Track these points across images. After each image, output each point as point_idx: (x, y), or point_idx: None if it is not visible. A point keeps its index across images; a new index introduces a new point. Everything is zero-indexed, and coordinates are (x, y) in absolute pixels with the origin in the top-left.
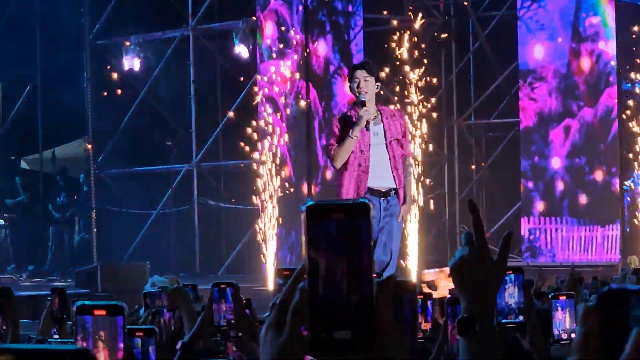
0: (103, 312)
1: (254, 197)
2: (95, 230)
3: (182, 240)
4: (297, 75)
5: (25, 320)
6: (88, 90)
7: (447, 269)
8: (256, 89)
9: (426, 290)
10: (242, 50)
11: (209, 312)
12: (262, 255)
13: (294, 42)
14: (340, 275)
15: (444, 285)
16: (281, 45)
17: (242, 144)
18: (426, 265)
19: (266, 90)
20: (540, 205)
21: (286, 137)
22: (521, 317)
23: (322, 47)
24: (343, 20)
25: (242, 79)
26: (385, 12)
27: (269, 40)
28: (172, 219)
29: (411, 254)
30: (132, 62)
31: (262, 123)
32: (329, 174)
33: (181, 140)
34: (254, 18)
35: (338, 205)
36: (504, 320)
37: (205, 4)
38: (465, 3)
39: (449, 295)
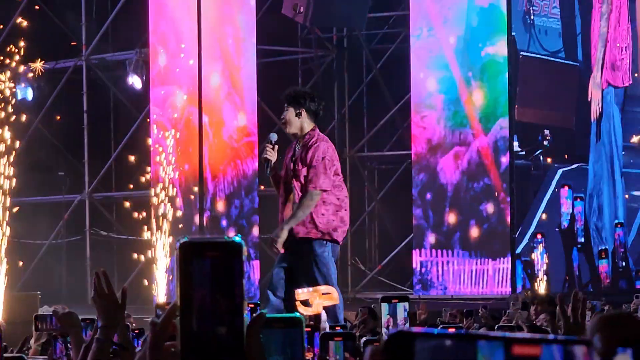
0: None
1: (146, 227)
2: None
3: (74, 271)
4: (187, 101)
5: None
6: None
7: (320, 288)
8: (148, 119)
9: (301, 308)
10: (135, 81)
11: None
12: (153, 286)
13: (184, 67)
14: (211, 311)
15: (317, 303)
16: (170, 70)
17: (135, 174)
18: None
19: (154, 116)
20: (431, 238)
21: (174, 163)
22: None
23: (212, 73)
24: (234, 47)
25: (135, 109)
26: (279, 44)
27: (159, 65)
28: (63, 249)
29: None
30: (25, 92)
31: (153, 148)
32: (220, 204)
33: (74, 170)
34: (147, 49)
35: (212, 242)
36: None
37: (99, 35)
38: (357, 34)
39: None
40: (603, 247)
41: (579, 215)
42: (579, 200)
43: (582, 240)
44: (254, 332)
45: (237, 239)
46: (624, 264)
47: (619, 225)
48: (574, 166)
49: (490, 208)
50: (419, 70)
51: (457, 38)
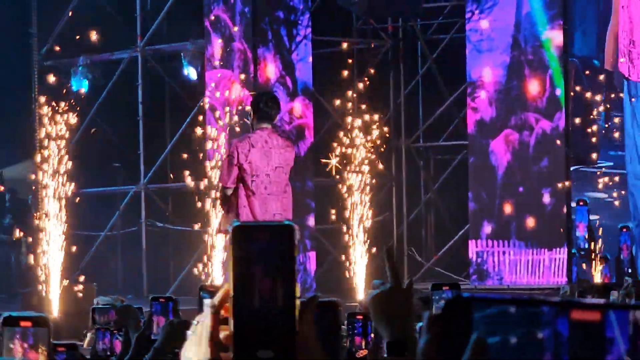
0: (29, 324)
1: (202, 217)
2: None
3: (130, 262)
4: (240, 87)
5: None
6: (36, 111)
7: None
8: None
9: None
10: (190, 72)
11: (147, 328)
12: (210, 278)
13: (237, 52)
14: (263, 295)
15: None
16: (224, 55)
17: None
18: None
19: (209, 105)
20: (487, 228)
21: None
22: None
23: (264, 57)
24: (285, 30)
25: (191, 100)
26: (333, 35)
27: (213, 50)
28: (119, 240)
29: (358, 276)
30: (80, 83)
31: (208, 137)
32: None
33: (129, 161)
34: (202, 40)
35: (263, 226)
36: None
37: (154, 26)
38: (412, 24)
39: None
40: None
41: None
42: None
43: None
44: (306, 315)
45: (288, 222)
46: None
47: None
48: None
49: (546, 197)
50: (475, 57)
51: (515, 23)
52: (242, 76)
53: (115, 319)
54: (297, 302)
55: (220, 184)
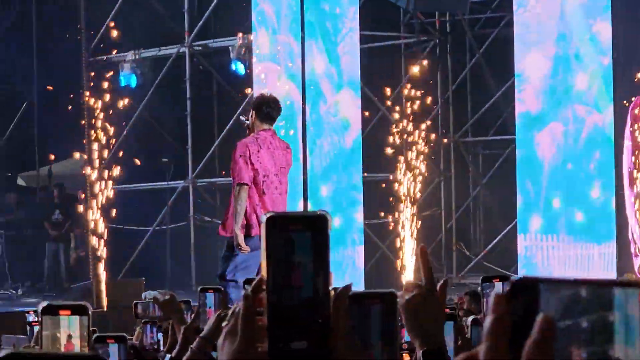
0: (68, 313)
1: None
2: (90, 246)
3: (178, 256)
4: (286, 78)
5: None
6: (85, 107)
7: None
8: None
9: None
10: (238, 66)
11: (194, 320)
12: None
13: (284, 45)
14: (296, 285)
15: None
16: (271, 49)
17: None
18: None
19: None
20: (536, 222)
21: None
22: None
23: (310, 50)
24: (331, 23)
25: (239, 95)
26: (381, 30)
27: (260, 44)
28: (168, 235)
29: (407, 270)
30: (128, 79)
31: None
32: (324, 189)
33: (177, 156)
34: (250, 35)
35: (297, 216)
36: None
37: (202, 21)
38: (460, 19)
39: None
40: None
41: None
42: None
43: None
44: (340, 305)
45: (322, 212)
46: None
47: None
48: None
49: (595, 191)
50: (522, 50)
51: (561, 16)
52: (289, 69)
53: (160, 313)
54: (332, 292)
55: (237, 182)
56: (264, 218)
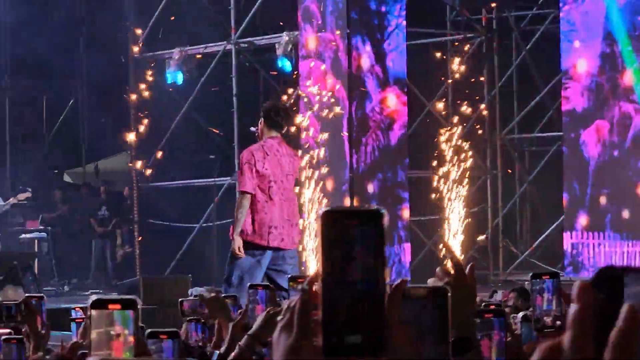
0: (118, 307)
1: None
2: (137, 243)
3: (224, 253)
4: (332, 75)
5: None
6: (131, 104)
7: None
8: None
9: None
10: (284, 64)
11: (243, 317)
12: (302, 270)
13: (329, 42)
14: (352, 279)
15: None
16: (316, 46)
17: None
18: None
19: (303, 95)
20: (582, 220)
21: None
22: (558, 322)
23: (356, 47)
24: (377, 20)
25: (288, 91)
26: (428, 27)
27: (306, 41)
28: (214, 232)
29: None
30: (174, 76)
31: (302, 128)
32: (370, 187)
33: (224, 153)
34: (296, 32)
35: (352, 211)
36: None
37: (248, 18)
38: (506, 15)
39: None
40: None
41: None
42: None
43: None
44: (395, 300)
45: (378, 207)
46: None
47: None
48: None
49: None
50: (569, 47)
51: (608, 13)
52: (334, 67)
53: (206, 310)
54: (387, 287)
55: (240, 189)
56: (320, 213)
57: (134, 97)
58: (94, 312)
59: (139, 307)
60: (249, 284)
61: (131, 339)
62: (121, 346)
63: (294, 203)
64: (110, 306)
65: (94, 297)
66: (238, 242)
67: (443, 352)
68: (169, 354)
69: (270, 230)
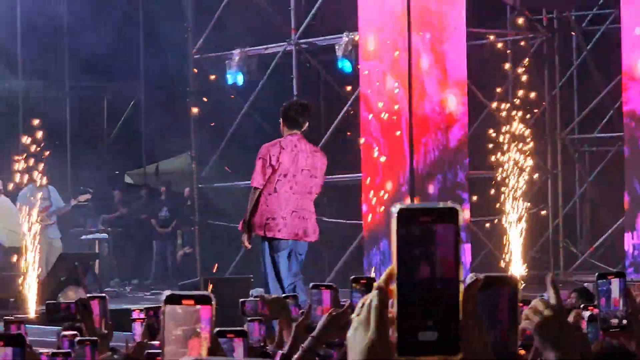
0: (191, 302)
1: (355, 210)
2: (197, 244)
3: None
4: (391, 75)
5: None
6: (191, 104)
7: None
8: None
9: None
10: (344, 64)
11: (306, 317)
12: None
13: (389, 43)
14: (427, 277)
15: None
16: (377, 47)
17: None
18: (528, 280)
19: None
20: None
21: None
22: (624, 322)
23: (416, 48)
24: (436, 20)
25: (348, 88)
26: (488, 27)
27: (366, 41)
28: None
29: (514, 268)
30: (235, 77)
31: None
32: (430, 187)
33: None
34: (356, 33)
35: (427, 209)
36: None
37: (308, 19)
38: (567, 15)
39: None
40: None
41: None
42: None
43: None
44: (470, 297)
45: (453, 204)
46: None
47: None
48: None
49: None
50: (629, 47)
51: None
52: (394, 67)
53: (267, 311)
54: (461, 284)
55: (251, 184)
56: (394, 210)
57: (194, 98)
58: (168, 308)
59: (213, 303)
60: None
61: (206, 336)
62: (197, 344)
63: (306, 197)
64: (184, 302)
65: (167, 293)
66: (244, 234)
67: (512, 344)
68: (238, 353)
69: (268, 222)
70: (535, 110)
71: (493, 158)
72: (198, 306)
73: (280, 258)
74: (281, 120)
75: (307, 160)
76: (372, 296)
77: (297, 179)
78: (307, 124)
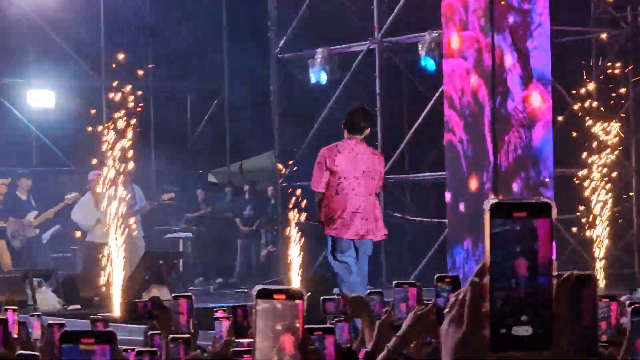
0: (282, 297)
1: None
2: (281, 242)
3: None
4: (475, 73)
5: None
6: (274, 104)
7: None
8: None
9: None
10: (428, 63)
11: (389, 316)
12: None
13: (472, 40)
14: (520, 272)
15: None
16: (459, 44)
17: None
18: (613, 278)
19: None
20: None
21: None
22: None
23: (499, 45)
24: (520, 18)
25: (431, 86)
26: (572, 24)
27: (449, 39)
28: None
29: (598, 266)
30: (318, 75)
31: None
32: (514, 185)
33: None
34: (440, 31)
35: (521, 203)
36: None
37: (391, 17)
38: None
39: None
40: None
41: None
42: None
43: None
44: (563, 292)
45: (546, 199)
46: None
47: None
48: None
49: None
50: None
51: None
52: (477, 65)
53: (348, 310)
54: (554, 280)
55: (312, 187)
56: (487, 205)
57: (277, 97)
58: (259, 303)
59: (304, 298)
60: (394, 282)
61: (298, 331)
62: (288, 339)
63: (369, 198)
64: (275, 296)
65: (259, 287)
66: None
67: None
68: (329, 350)
69: (332, 222)
70: (620, 107)
71: (577, 156)
72: (290, 301)
73: (347, 257)
74: (343, 124)
75: (366, 163)
76: (466, 291)
77: (359, 181)
78: (368, 130)
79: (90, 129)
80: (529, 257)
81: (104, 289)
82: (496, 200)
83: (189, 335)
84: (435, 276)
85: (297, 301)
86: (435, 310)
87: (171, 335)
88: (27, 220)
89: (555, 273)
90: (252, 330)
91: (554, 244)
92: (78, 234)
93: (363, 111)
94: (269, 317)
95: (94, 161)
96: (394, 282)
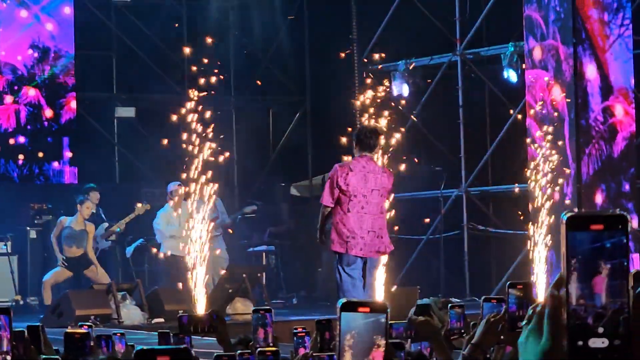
0: (367, 310)
1: (523, 221)
2: None
3: (451, 265)
4: (556, 84)
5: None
6: (357, 116)
7: None
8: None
9: None
10: (510, 75)
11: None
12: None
13: (552, 51)
14: (597, 284)
15: None
16: (540, 56)
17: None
18: None
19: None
20: None
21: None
22: None
23: (580, 56)
24: (600, 28)
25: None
26: None
27: (530, 50)
28: (441, 244)
29: None
30: (401, 88)
31: (528, 141)
32: (597, 197)
33: (450, 165)
34: (522, 43)
35: (597, 216)
36: None
37: (474, 29)
38: None
39: None
40: None
41: None
42: None
43: None
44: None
45: (622, 212)
46: None
47: None
48: None
49: None
50: None
51: None
52: (558, 76)
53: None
54: (631, 292)
55: (322, 203)
56: (564, 217)
57: (360, 109)
58: (343, 316)
59: (388, 311)
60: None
61: (382, 345)
62: (374, 353)
63: (380, 217)
64: (360, 309)
65: (343, 300)
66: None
67: None
68: None
69: (348, 240)
70: None
71: None
72: (374, 314)
73: (353, 271)
74: (354, 142)
75: (376, 181)
76: (545, 303)
77: (368, 199)
78: (378, 147)
79: (166, 141)
80: (605, 269)
81: (187, 302)
82: (572, 212)
83: (277, 348)
84: (507, 283)
85: (382, 314)
86: (507, 317)
87: (259, 349)
88: (98, 232)
89: (632, 284)
90: (336, 343)
91: (632, 257)
92: (156, 249)
93: (372, 130)
94: (352, 329)
95: (178, 174)
96: (482, 298)
